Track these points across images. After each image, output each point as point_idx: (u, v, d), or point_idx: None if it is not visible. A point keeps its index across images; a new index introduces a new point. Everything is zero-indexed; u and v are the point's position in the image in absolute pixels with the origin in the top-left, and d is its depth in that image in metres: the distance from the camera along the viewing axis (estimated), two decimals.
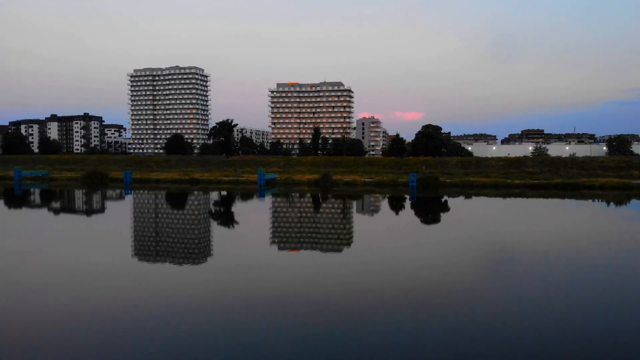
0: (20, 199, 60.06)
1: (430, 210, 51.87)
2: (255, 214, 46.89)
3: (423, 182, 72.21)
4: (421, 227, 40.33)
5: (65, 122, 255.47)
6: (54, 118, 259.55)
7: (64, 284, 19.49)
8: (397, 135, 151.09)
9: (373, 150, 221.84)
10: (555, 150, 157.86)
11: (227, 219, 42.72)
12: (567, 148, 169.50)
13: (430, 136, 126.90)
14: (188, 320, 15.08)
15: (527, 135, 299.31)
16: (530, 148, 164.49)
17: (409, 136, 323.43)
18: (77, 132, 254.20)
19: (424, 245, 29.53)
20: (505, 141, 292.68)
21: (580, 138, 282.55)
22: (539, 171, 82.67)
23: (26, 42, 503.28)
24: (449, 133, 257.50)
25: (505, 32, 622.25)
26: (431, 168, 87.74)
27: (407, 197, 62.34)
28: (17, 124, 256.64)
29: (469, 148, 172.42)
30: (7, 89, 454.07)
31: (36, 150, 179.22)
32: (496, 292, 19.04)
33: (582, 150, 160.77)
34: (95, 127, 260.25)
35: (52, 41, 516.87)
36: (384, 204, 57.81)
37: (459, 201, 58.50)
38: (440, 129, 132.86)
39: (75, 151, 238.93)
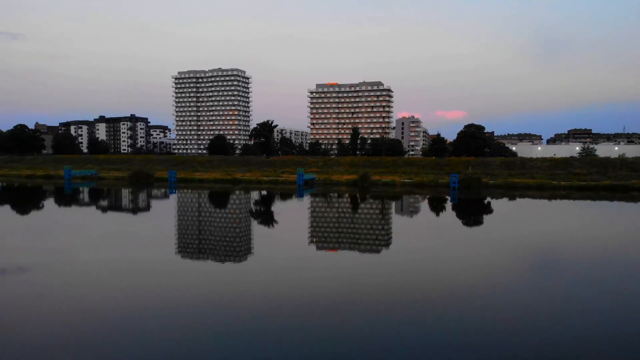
0: (70, 197, 63.03)
1: (471, 212, 50.87)
2: (294, 214, 47.39)
3: (465, 183, 70.85)
4: (462, 229, 39.62)
5: (112, 123, 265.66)
6: (102, 119, 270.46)
7: (110, 279, 20.40)
8: (438, 134, 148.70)
9: (413, 151, 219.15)
10: (604, 150, 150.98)
11: (267, 219, 43.39)
12: (616, 148, 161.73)
13: (473, 136, 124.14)
14: (229, 318, 15.51)
15: (573, 134, 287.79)
16: (577, 148, 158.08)
17: (450, 136, 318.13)
18: (124, 132, 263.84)
19: (463, 247, 29.04)
20: (551, 141, 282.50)
21: (630, 138, 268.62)
22: (587, 172, 79.42)
23: (75, 46, 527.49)
24: (492, 132, 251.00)
25: (549, 25, 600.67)
26: (473, 169, 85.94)
27: (448, 198, 61.36)
28: (67, 125, 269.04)
29: (513, 148, 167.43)
30: (58, 91, 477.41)
31: (85, 150, 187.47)
32: (537, 295, 18.54)
33: (632, 151, 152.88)
34: (141, 128, 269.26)
35: (100, 45, 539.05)
36: (424, 205, 57.12)
37: (502, 203, 57.07)
38: (483, 128, 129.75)
39: (122, 151, 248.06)
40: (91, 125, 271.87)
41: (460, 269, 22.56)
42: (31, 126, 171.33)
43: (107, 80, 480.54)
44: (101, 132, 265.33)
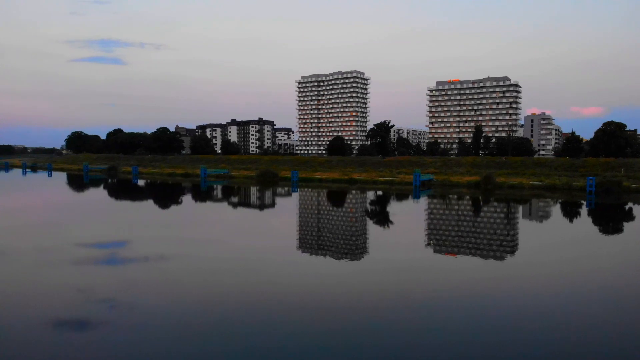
0: (205, 194, 69.45)
1: (610, 219, 45.76)
2: (410, 215, 46.95)
3: (603, 187, 63.80)
4: (598, 237, 35.93)
5: (243, 126, 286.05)
6: (233, 122, 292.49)
7: (236, 269, 22.33)
8: (572, 133, 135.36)
9: (543, 150, 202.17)
10: None
11: (383, 219, 43.62)
12: None
13: (613, 134, 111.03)
14: (344, 314, 16.15)
15: None
16: None
17: (586, 134, 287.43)
18: (252, 135, 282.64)
19: (596, 257, 26.42)
20: None
21: None
22: None
23: (209, 54, 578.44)
24: (635, 130, 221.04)
25: None
26: (613, 170, 76.87)
27: (583, 203, 55.85)
28: (203, 127, 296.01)
29: None
30: (195, 97, 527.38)
31: (219, 151, 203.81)
32: None
33: None
34: (268, 131, 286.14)
35: (230, 53, 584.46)
36: (556, 210, 52.69)
37: None
38: (624, 126, 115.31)
39: (251, 152, 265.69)
40: (224, 128, 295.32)
41: (597, 287, 20.66)
42: (172, 129, 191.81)
43: (238, 87, 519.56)
44: (233, 135, 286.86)
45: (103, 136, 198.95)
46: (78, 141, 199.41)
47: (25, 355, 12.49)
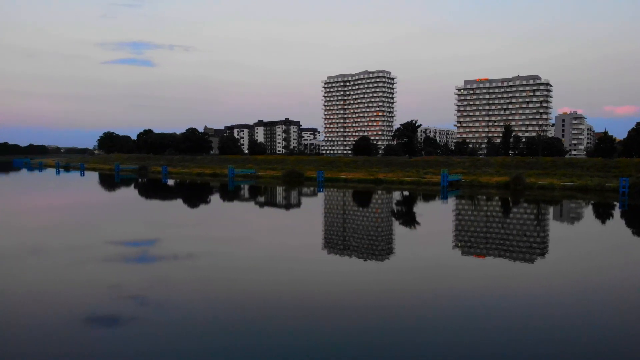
0: (233, 193, 70.28)
1: None
2: (438, 216, 46.39)
3: (636, 188, 61.65)
4: (631, 239, 34.76)
5: (269, 126, 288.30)
6: (260, 123, 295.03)
7: (263, 268, 22.50)
8: (605, 132, 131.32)
9: (575, 150, 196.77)
10: None
11: (409, 219, 43.24)
12: None
13: None
14: (370, 314, 16.10)
15: None
16: None
17: (619, 134, 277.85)
18: (279, 135, 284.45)
19: (629, 261, 25.55)
20: None
21: None
22: None
23: (237, 55, 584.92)
24: None
25: None
26: None
27: (616, 205, 54.11)
28: (230, 128, 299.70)
29: None
30: (223, 98, 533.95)
31: (246, 151, 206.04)
32: None
33: None
34: (294, 131, 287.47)
35: (257, 54, 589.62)
36: (587, 211, 51.23)
37: None
38: None
39: (277, 152, 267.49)
40: (251, 128, 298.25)
41: (631, 291, 20.01)
42: (201, 129, 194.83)
43: (265, 87, 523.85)
44: (259, 135, 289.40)
45: (134, 137, 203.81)
46: (109, 141, 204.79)
47: (58, 349, 12.91)
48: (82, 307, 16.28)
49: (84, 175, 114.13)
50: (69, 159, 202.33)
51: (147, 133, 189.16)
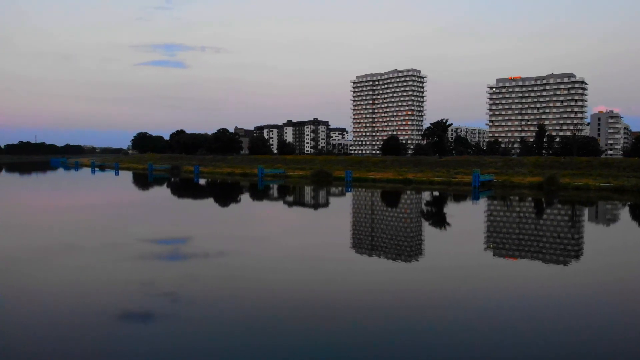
0: (262, 193, 70.97)
1: None
2: (469, 217, 45.68)
3: None
4: None
5: (298, 126, 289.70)
6: (289, 123, 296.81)
7: (293, 267, 22.68)
8: None
9: (611, 150, 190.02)
10: None
11: (439, 220, 42.73)
12: None
13: None
14: (398, 314, 16.03)
15: None
16: None
17: None
18: (307, 135, 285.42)
19: None
20: None
21: None
22: None
23: (266, 56, 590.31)
24: None
25: None
26: None
27: None
28: (260, 128, 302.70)
29: None
30: (253, 98, 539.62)
31: (275, 151, 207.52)
32: None
33: None
34: (322, 131, 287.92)
35: (286, 55, 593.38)
36: (624, 213, 49.49)
37: None
38: None
39: (305, 152, 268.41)
40: (280, 128, 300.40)
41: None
42: (231, 130, 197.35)
43: (294, 88, 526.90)
44: (288, 135, 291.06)
45: (166, 137, 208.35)
46: (143, 142, 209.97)
47: (93, 345, 13.36)
48: (115, 303, 16.78)
49: (118, 174, 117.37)
50: (104, 159, 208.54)
51: (180, 133, 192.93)
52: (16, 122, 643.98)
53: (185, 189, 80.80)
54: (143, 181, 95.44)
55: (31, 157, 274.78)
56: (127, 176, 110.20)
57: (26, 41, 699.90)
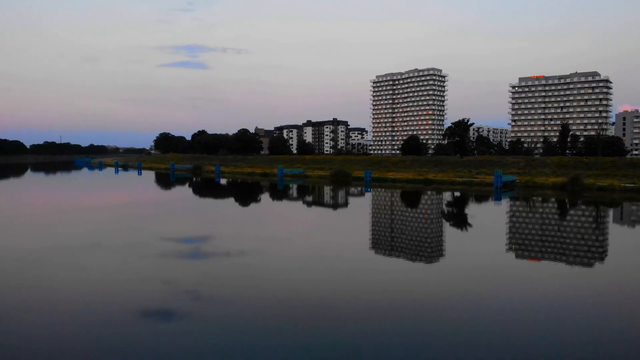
0: (282, 193, 71.35)
1: None
2: (491, 218, 45.14)
3: None
4: None
5: (317, 126, 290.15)
6: (308, 123, 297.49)
7: (312, 267, 22.80)
8: None
9: (636, 150, 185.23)
10: None
11: (461, 221, 42.35)
12: None
13: None
14: (419, 314, 16.01)
15: None
16: None
17: None
18: (326, 135, 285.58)
19: None
20: None
21: None
22: None
23: (285, 57, 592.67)
24: None
25: None
26: None
27: None
28: (280, 128, 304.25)
29: None
30: (273, 99, 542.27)
31: (294, 151, 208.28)
32: None
33: None
34: (341, 131, 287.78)
35: (306, 55, 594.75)
36: None
37: None
38: None
39: (325, 152, 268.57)
40: (299, 129, 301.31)
41: None
42: (252, 130, 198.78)
43: (313, 88, 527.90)
44: (308, 135, 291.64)
45: (188, 137, 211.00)
46: (165, 142, 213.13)
47: (114, 342, 13.70)
48: (137, 301, 17.16)
49: (141, 174, 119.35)
50: (127, 159, 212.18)
51: (201, 134, 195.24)
52: (41, 123, 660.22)
53: (206, 188, 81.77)
54: (165, 181, 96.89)
55: (56, 157, 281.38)
56: (149, 176, 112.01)
57: (51, 43, 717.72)
